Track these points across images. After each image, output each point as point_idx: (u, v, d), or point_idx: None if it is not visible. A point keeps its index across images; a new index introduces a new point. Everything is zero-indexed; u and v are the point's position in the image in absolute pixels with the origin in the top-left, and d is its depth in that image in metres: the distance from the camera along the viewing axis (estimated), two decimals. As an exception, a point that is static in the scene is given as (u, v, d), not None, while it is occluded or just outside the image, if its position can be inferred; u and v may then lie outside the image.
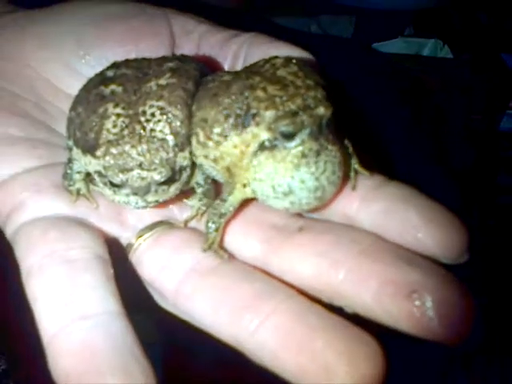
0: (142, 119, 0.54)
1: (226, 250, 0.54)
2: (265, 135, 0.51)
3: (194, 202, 0.59)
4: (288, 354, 0.44)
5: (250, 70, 0.56)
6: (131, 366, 0.43)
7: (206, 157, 0.55)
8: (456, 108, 1.09)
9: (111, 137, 0.53)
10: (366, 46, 1.24)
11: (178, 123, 0.55)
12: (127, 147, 0.53)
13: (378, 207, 0.52)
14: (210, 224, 0.54)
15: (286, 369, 0.44)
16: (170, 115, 0.55)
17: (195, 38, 0.69)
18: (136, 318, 0.48)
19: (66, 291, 0.47)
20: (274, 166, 0.51)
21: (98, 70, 0.61)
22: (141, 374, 0.43)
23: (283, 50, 0.63)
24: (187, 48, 0.68)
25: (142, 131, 0.54)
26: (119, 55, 0.63)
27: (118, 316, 0.46)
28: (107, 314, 0.46)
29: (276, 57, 0.56)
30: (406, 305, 0.44)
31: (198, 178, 0.59)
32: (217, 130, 0.53)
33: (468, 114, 1.08)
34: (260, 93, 0.52)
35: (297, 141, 0.50)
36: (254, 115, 0.51)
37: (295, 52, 0.63)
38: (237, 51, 0.66)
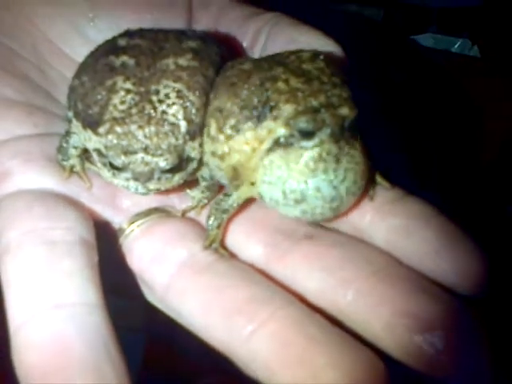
0: (154, 99, 0.52)
1: (227, 249, 0.53)
2: (281, 131, 0.49)
3: (195, 193, 0.58)
4: (284, 368, 0.42)
5: (273, 60, 0.54)
6: (104, 366, 0.40)
7: (213, 154, 0.53)
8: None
9: (117, 114, 0.51)
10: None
11: (194, 110, 0.53)
12: (133, 127, 0.51)
13: (394, 222, 0.50)
14: (211, 220, 0.52)
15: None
16: (186, 100, 0.52)
17: (214, 12, 0.66)
18: (122, 303, 0.45)
19: (42, 275, 0.44)
20: (287, 167, 0.49)
21: (107, 36, 0.59)
22: (114, 376, 0.40)
23: (307, 35, 0.59)
24: (205, 22, 0.66)
25: (152, 112, 0.51)
26: (132, 23, 0.61)
27: (96, 308, 0.43)
28: (84, 305, 0.43)
29: (302, 50, 0.54)
30: (420, 341, 0.42)
31: (204, 171, 0.57)
32: (231, 121, 0.51)
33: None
34: (281, 84, 0.50)
35: (315, 140, 0.48)
36: (272, 108, 0.49)
37: (320, 40, 0.59)
38: (258, 30, 0.63)
